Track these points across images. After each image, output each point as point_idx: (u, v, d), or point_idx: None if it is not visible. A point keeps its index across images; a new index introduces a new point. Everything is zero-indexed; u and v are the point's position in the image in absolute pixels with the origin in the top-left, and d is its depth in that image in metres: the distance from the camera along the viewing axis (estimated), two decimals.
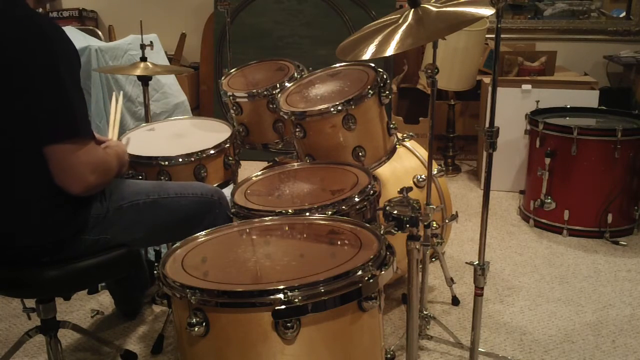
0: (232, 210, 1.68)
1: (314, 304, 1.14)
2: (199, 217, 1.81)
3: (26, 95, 1.48)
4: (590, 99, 3.58)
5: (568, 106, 3.47)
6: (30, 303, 1.91)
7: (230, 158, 2.22)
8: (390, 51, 1.71)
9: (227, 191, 1.95)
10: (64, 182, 1.53)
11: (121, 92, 2.67)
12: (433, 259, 2.49)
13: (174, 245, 1.41)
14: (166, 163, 2.06)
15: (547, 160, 3.14)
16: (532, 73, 3.85)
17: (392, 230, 1.38)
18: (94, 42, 2.92)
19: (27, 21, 1.50)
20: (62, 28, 1.57)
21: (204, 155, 2.11)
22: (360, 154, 1.95)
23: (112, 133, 2.11)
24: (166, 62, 3.51)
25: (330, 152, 1.98)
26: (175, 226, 1.80)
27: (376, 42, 1.78)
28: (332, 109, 1.91)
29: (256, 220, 1.54)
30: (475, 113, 4.32)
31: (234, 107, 2.33)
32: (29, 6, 1.57)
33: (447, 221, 2.45)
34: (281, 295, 1.13)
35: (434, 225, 2.26)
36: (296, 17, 4.51)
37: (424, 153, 2.47)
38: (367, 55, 1.76)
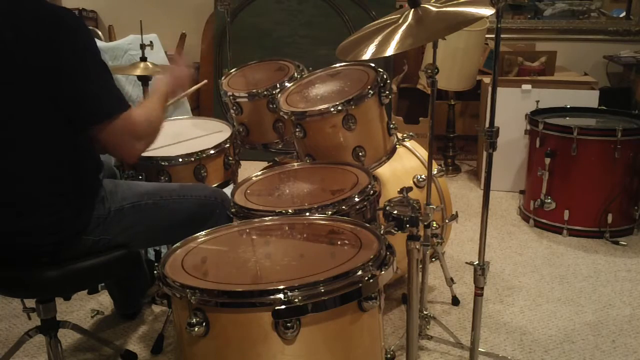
0: (232, 210, 1.68)
1: (314, 304, 1.14)
2: (201, 219, 1.81)
3: (52, 88, 1.50)
4: (590, 99, 3.58)
5: (568, 106, 3.47)
6: (30, 303, 1.92)
7: (230, 158, 2.22)
8: (390, 51, 1.71)
9: (227, 191, 1.95)
10: (116, 157, 1.73)
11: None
12: (433, 259, 2.49)
13: (174, 245, 1.41)
14: (166, 163, 2.06)
15: (547, 160, 3.14)
16: (532, 73, 3.85)
17: (392, 230, 1.38)
18: None
19: (50, 17, 1.51)
20: (77, 14, 1.60)
21: (204, 155, 2.11)
22: (360, 154, 1.95)
23: None
24: (166, 62, 3.50)
25: (330, 152, 1.98)
26: (177, 228, 1.80)
27: (376, 42, 1.78)
28: (332, 109, 1.91)
29: (256, 220, 1.54)
30: (475, 113, 4.32)
31: (234, 107, 2.33)
32: (46, 1, 1.57)
33: (447, 221, 2.45)
34: (281, 295, 1.13)
35: (434, 225, 2.26)
36: (296, 17, 4.50)
37: (424, 153, 2.47)
38: (367, 55, 1.76)
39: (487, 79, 3.86)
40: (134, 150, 1.66)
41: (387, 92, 1.99)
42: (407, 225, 1.37)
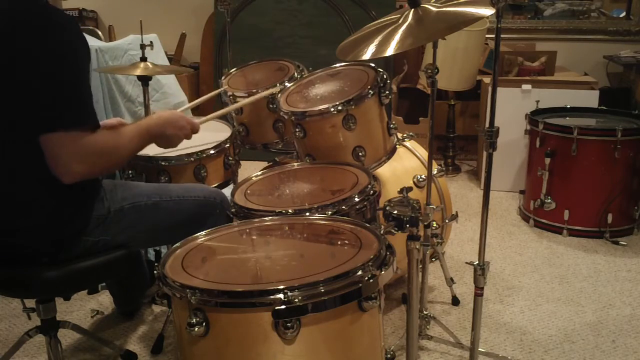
0: (232, 210, 1.68)
1: (314, 304, 1.14)
2: (201, 219, 1.80)
3: (32, 83, 1.49)
4: (590, 99, 3.58)
5: (568, 106, 3.47)
6: (30, 303, 1.92)
7: (230, 158, 2.22)
8: (390, 51, 1.71)
9: (227, 191, 1.95)
10: (54, 171, 1.53)
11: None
12: (433, 259, 2.49)
13: (174, 245, 1.41)
14: (166, 163, 2.06)
15: (547, 160, 3.14)
16: (532, 73, 3.85)
17: (392, 230, 1.38)
18: (94, 42, 2.91)
19: (39, 12, 1.51)
20: (75, 20, 1.58)
21: (204, 155, 2.11)
22: (360, 154, 1.95)
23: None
24: (166, 62, 3.50)
25: (330, 152, 1.98)
26: (176, 228, 1.79)
27: (376, 42, 1.78)
28: (332, 109, 1.91)
29: (256, 220, 1.54)
30: (475, 113, 4.32)
31: None
32: (48, 3, 1.57)
33: (447, 221, 2.45)
34: (281, 295, 1.13)
35: (434, 225, 2.26)
36: (296, 17, 4.50)
37: (424, 153, 2.47)
38: (367, 55, 1.76)
39: (487, 79, 3.86)
40: (70, 171, 1.52)
41: (387, 92, 1.99)
42: (407, 225, 1.37)
